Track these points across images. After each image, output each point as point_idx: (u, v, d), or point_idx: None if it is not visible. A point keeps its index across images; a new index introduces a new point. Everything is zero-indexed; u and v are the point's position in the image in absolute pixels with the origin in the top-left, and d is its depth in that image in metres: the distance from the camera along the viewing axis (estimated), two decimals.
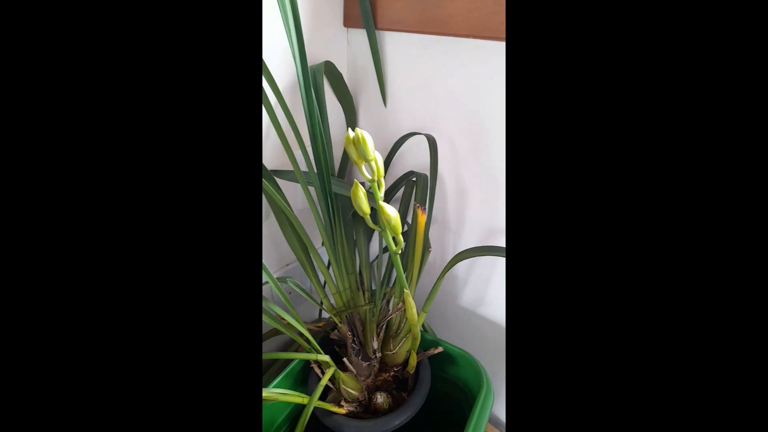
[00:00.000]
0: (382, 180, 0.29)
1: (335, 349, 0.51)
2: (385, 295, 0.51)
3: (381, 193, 0.29)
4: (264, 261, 0.58)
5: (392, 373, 0.50)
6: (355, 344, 0.49)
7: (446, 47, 0.50)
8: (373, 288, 0.52)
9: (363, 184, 0.45)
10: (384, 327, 0.51)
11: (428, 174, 0.51)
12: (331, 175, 0.44)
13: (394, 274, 0.53)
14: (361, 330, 0.50)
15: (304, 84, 0.37)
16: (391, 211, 0.29)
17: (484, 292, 0.58)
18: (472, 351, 0.53)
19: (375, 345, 0.50)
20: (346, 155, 0.58)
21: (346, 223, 0.47)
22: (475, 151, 0.52)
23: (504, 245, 0.45)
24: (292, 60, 0.42)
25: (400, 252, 0.33)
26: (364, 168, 0.29)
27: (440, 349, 0.51)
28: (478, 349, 0.62)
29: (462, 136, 0.53)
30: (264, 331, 0.56)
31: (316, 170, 0.42)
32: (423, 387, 0.46)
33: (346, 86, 0.58)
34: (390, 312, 0.51)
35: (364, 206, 0.29)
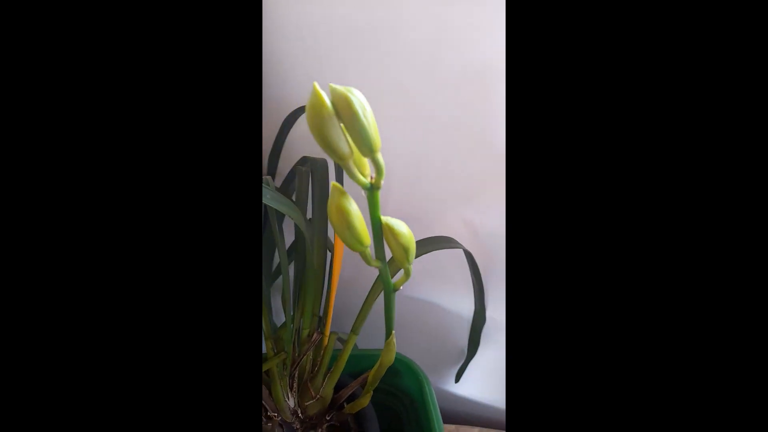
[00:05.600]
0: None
1: None
2: (295, 332, 0.37)
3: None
4: None
5: (325, 425, 0.37)
6: (272, 419, 0.33)
7: None
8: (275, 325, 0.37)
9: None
10: (296, 374, 0.37)
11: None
12: None
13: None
14: (268, 393, 0.35)
15: None
16: (405, 230, 0.17)
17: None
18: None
19: (291, 403, 0.36)
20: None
21: None
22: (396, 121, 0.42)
23: (443, 235, 0.39)
24: None
25: (399, 288, 0.21)
26: (354, 165, 0.15)
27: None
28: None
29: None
30: None
31: None
32: (372, 430, 0.37)
33: None
34: (306, 349, 0.37)
35: (362, 233, 0.16)
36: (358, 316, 0.36)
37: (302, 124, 0.43)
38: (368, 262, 0.18)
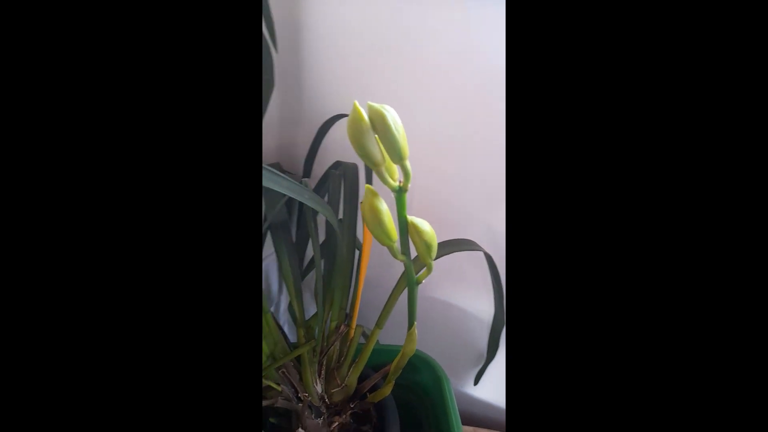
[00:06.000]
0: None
1: (270, 421, 0.37)
2: (323, 323, 0.40)
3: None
4: None
5: (349, 412, 0.40)
6: (300, 398, 0.36)
7: None
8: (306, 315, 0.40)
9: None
10: (324, 362, 0.40)
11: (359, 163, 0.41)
12: None
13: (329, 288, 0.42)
14: (299, 379, 0.38)
15: None
16: (428, 228, 0.19)
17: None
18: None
19: (319, 389, 0.39)
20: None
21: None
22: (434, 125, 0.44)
23: (467, 238, 0.41)
24: None
25: (421, 281, 0.23)
26: (386, 171, 0.18)
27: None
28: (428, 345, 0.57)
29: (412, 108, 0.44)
30: None
31: None
32: (392, 421, 0.39)
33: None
34: (333, 340, 0.40)
35: (391, 230, 0.18)
36: (383, 311, 0.39)
37: (335, 131, 0.47)
38: (395, 256, 0.21)
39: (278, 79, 0.46)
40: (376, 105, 0.17)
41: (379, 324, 0.39)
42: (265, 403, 0.36)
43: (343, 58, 0.44)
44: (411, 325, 0.30)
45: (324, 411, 0.39)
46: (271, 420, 0.37)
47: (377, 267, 0.52)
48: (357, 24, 0.41)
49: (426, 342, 0.58)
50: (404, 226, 0.20)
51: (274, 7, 0.41)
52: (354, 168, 0.42)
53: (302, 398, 0.36)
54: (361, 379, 0.42)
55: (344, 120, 0.44)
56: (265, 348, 0.37)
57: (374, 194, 0.18)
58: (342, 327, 0.41)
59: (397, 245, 0.20)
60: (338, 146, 0.49)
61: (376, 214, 0.18)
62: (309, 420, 0.36)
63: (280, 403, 0.36)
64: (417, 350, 0.46)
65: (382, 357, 0.45)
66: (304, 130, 0.49)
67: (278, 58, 0.45)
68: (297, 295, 0.37)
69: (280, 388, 0.35)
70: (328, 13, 0.42)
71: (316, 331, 0.39)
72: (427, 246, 0.20)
